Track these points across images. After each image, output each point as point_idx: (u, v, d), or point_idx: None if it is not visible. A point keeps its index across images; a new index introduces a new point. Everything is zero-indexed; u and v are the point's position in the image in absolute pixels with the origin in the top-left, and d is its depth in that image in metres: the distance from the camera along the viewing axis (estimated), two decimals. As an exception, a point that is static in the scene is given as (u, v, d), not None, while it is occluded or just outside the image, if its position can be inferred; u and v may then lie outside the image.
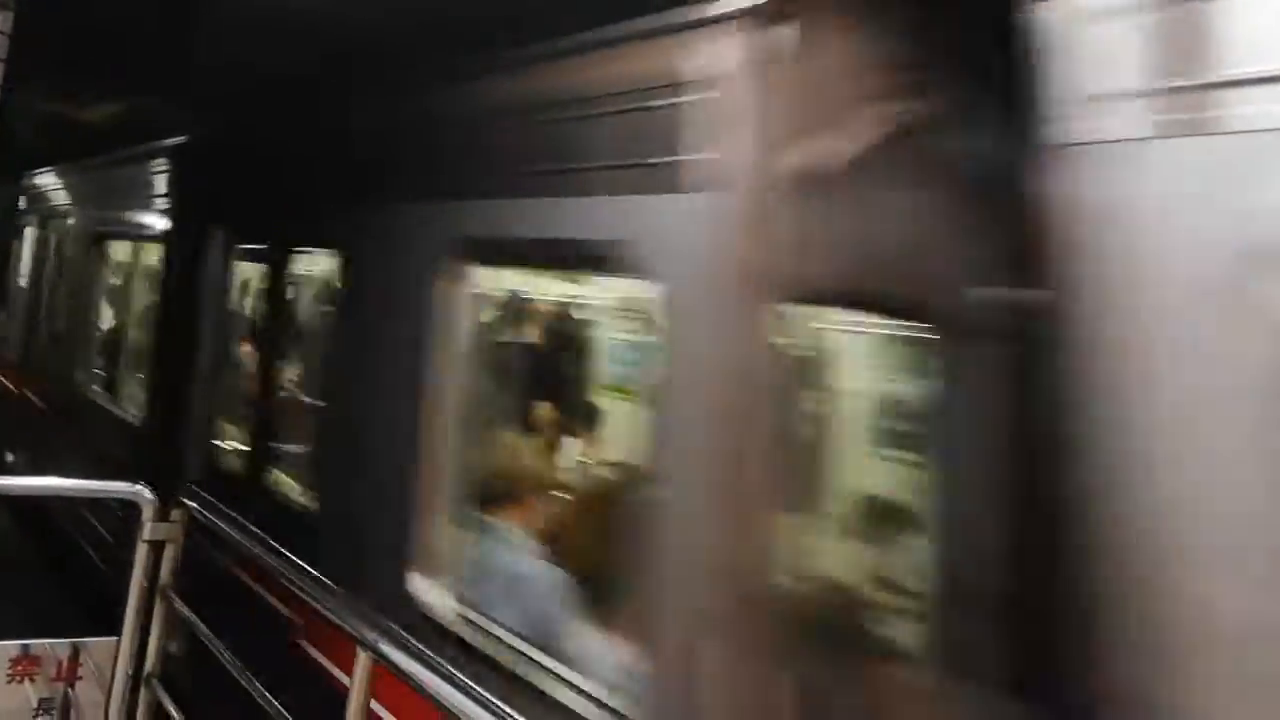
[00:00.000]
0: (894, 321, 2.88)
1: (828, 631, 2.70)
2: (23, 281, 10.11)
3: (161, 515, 3.94)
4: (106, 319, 7.61)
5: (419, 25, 3.51)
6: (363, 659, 2.96)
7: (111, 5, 4.38)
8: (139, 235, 6.72)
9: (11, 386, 9.41)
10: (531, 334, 4.76)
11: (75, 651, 4.03)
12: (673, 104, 2.41)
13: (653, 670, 2.27)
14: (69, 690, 3.79)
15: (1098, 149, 1.78)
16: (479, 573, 3.12)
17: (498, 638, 2.87)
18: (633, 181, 2.55)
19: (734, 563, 2.12)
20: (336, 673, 3.42)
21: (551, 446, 4.45)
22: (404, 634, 3.02)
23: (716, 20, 2.29)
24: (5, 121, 4.03)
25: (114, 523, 5.78)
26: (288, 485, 4.35)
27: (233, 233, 5.13)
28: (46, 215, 9.50)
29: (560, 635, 2.93)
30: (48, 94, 6.93)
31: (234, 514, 4.24)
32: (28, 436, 8.38)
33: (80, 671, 3.83)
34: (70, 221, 8.56)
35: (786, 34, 2.16)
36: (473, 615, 2.98)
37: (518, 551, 3.20)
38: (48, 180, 9.64)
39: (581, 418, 4.64)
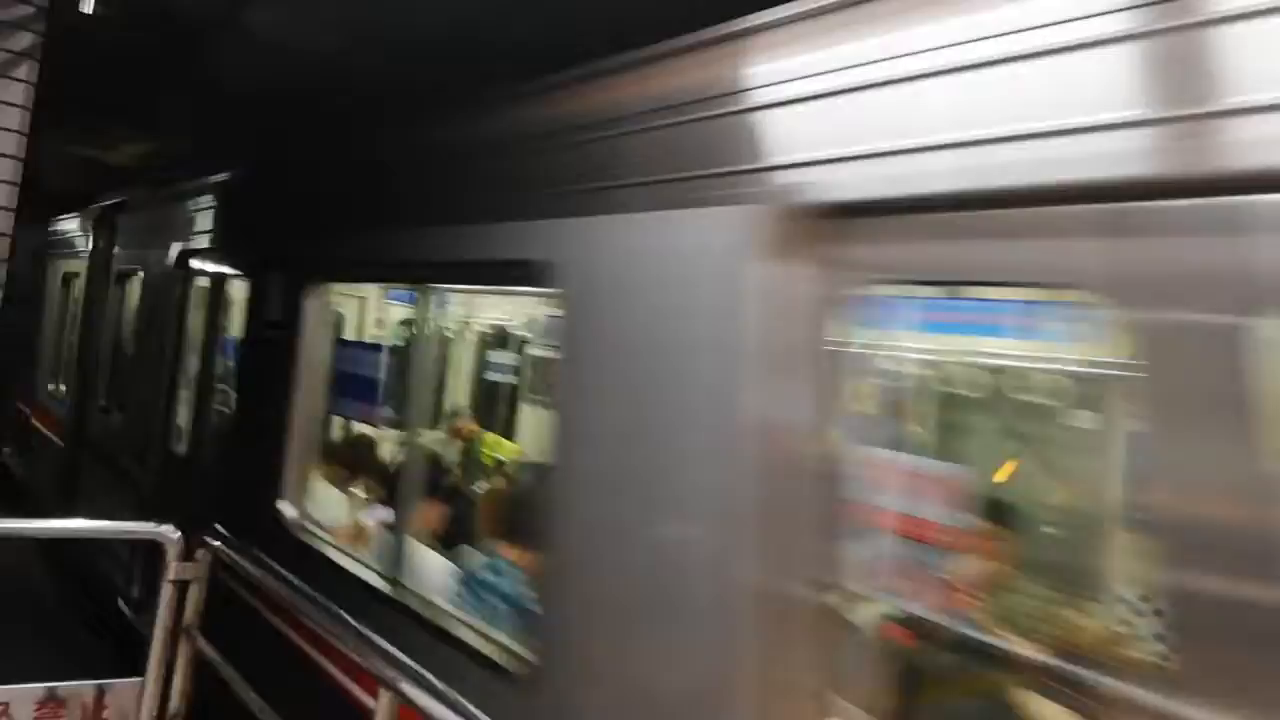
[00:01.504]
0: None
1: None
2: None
3: (186, 555, 3.94)
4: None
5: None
6: (385, 699, 2.94)
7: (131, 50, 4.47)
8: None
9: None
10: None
11: (100, 693, 4.02)
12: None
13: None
14: (94, 733, 3.78)
15: None
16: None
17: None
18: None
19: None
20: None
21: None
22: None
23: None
24: (32, 166, 4.08)
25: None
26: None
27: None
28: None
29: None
30: (75, 138, 7.07)
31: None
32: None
33: (106, 714, 3.82)
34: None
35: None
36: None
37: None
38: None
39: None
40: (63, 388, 9.43)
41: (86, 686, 4.01)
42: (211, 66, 5.09)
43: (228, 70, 5.12)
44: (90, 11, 3.78)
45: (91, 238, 8.43)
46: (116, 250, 7.94)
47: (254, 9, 4.34)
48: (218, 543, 4.07)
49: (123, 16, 4.06)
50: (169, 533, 3.95)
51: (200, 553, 4.01)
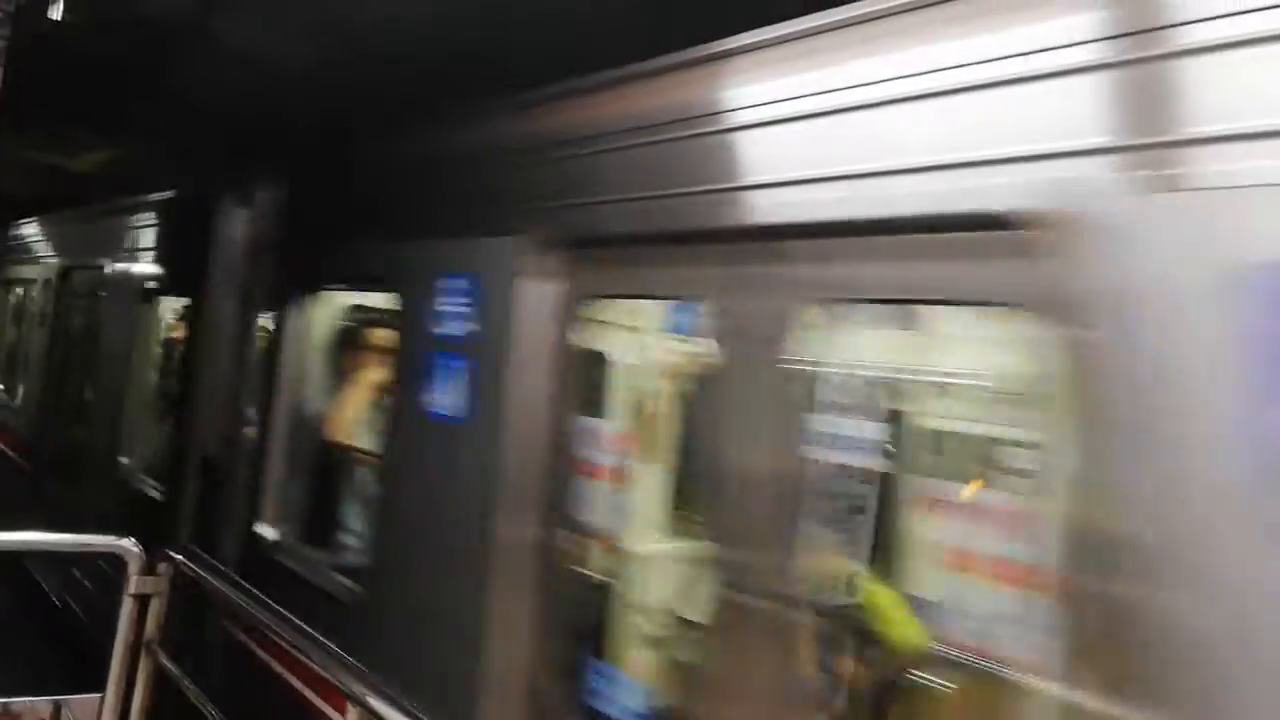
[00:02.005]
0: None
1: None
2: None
3: (147, 569, 3.89)
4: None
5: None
6: (353, 714, 2.93)
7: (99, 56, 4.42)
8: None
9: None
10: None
11: (57, 709, 3.95)
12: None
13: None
14: (50, 750, 3.72)
15: None
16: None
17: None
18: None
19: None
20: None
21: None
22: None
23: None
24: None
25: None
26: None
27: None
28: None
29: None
30: (37, 144, 6.95)
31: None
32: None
33: (62, 730, 3.76)
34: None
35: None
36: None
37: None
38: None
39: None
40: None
41: (43, 702, 3.94)
42: (177, 75, 5.04)
43: (194, 79, 5.07)
44: (59, 18, 3.73)
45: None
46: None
47: (223, 17, 4.31)
48: (179, 555, 4.02)
49: (90, 23, 4.00)
50: (130, 546, 3.90)
51: (162, 566, 3.95)
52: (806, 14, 2.28)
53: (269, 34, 3.77)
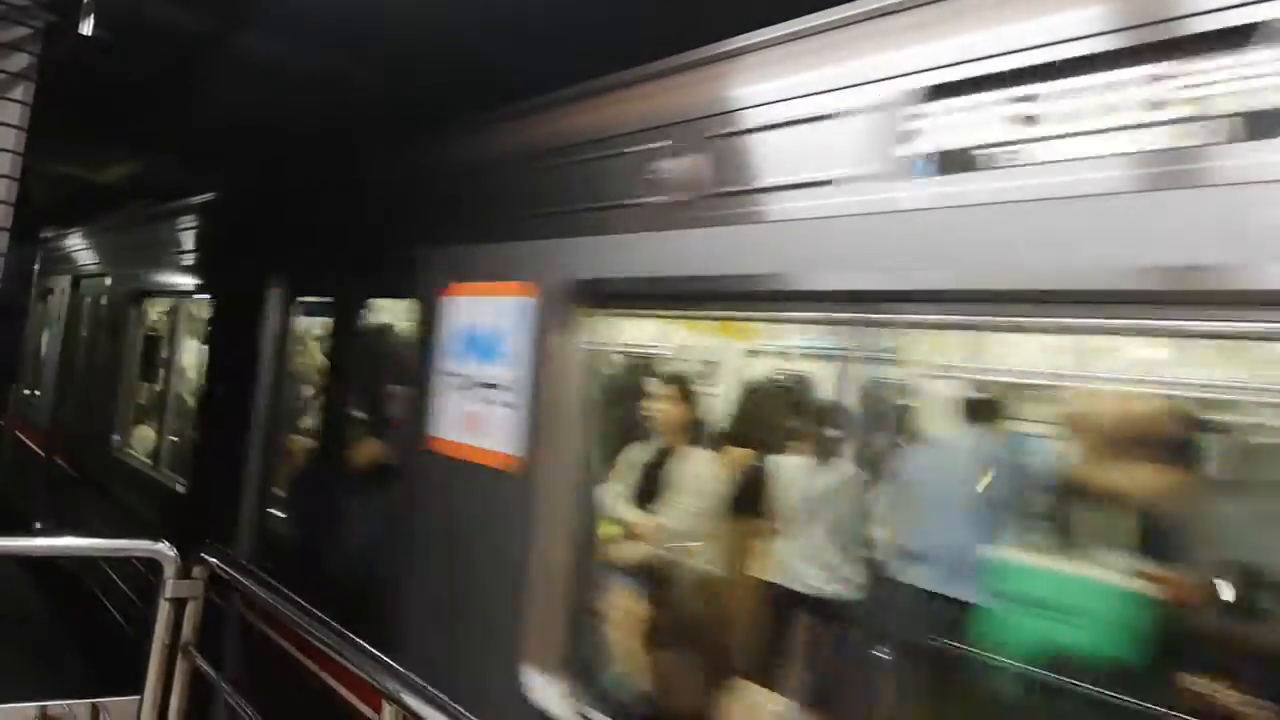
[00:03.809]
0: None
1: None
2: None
3: (183, 572, 3.94)
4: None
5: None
6: (388, 712, 2.97)
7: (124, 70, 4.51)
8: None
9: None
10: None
11: (95, 711, 4.02)
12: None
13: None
14: (90, 752, 3.78)
15: None
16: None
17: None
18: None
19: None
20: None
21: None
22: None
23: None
24: (25, 185, 4.11)
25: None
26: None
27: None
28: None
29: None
30: (65, 157, 7.08)
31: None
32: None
33: (101, 732, 3.82)
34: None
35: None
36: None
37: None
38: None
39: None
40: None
41: (81, 705, 4.00)
42: (199, 89, 5.13)
43: (218, 93, 5.16)
44: (90, 33, 3.81)
45: None
46: None
47: (246, 33, 4.39)
48: (214, 559, 4.08)
49: (119, 39, 4.09)
50: (166, 550, 3.95)
51: (197, 570, 4.01)
52: None
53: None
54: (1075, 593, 3.21)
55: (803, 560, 3.99)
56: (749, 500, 4.26)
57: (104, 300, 8.23)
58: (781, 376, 5.15)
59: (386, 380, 4.48)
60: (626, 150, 2.94)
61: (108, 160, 7.48)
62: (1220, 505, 3.06)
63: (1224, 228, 1.65)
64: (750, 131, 2.60)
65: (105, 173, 7.85)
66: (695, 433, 4.21)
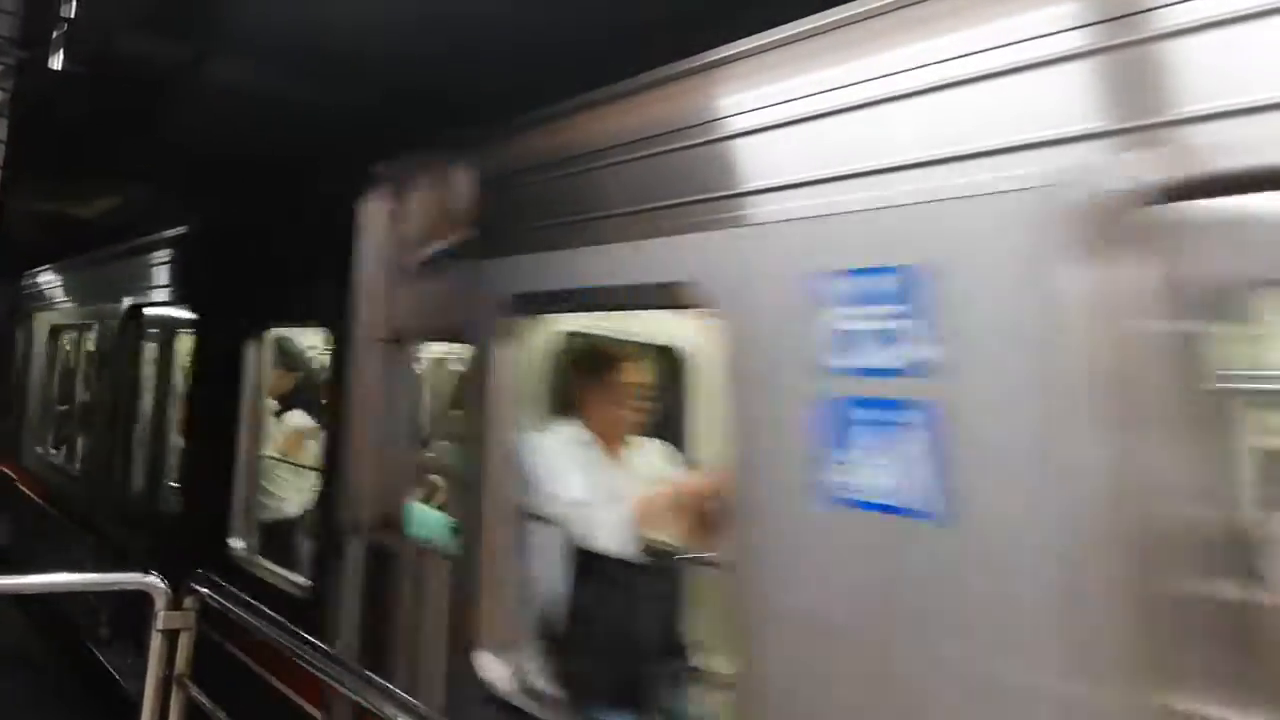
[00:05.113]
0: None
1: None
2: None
3: (174, 604, 3.92)
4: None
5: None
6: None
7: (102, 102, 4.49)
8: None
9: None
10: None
11: (93, 747, 4.00)
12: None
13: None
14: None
15: None
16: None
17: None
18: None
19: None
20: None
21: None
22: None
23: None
24: (4, 222, 4.10)
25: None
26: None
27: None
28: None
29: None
30: (45, 193, 7.04)
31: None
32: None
33: (98, 768, 3.79)
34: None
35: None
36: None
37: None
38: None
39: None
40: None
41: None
42: (174, 120, 5.12)
43: (193, 124, 5.14)
44: (60, 68, 3.80)
45: None
46: None
47: (219, 64, 4.38)
48: (205, 589, 4.05)
49: (92, 72, 4.07)
50: (156, 582, 3.94)
51: (188, 600, 3.99)
52: None
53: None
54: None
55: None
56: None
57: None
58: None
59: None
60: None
61: (91, 195, 7.44)
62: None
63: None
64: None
65: (89, 207, 7.81)
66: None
